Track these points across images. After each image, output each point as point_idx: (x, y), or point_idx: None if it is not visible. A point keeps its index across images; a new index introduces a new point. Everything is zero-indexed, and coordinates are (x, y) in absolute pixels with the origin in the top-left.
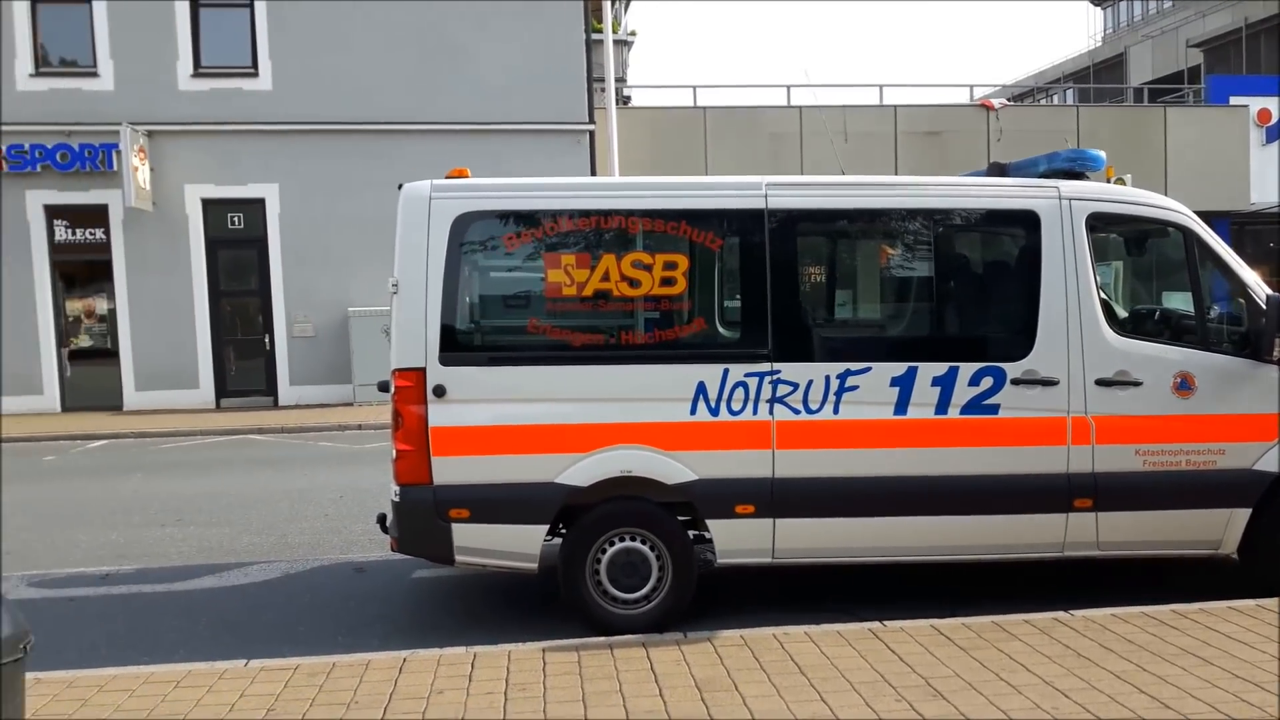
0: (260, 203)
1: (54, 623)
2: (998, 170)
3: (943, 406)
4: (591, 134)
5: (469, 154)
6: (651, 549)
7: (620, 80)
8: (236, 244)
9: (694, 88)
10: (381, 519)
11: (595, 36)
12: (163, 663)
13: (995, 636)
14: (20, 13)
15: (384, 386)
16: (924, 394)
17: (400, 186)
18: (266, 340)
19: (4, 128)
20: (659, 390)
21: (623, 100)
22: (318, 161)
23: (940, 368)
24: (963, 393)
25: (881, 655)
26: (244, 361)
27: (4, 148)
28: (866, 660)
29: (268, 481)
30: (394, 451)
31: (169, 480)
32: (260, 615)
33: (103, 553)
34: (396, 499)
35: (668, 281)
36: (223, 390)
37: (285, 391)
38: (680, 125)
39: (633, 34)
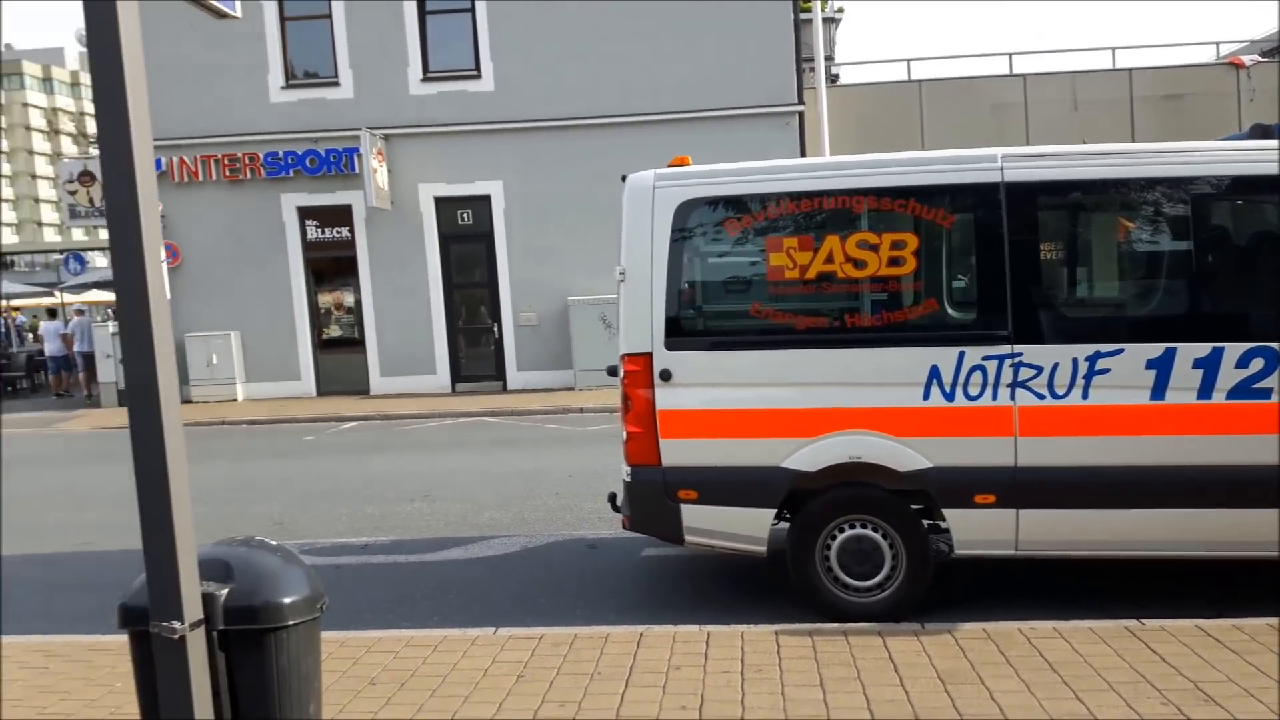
0: (486, 199)
1: (324, 588)
2: (1262, 133)
3: (1206, 390)
4: (800, 115)
5: (679, 142)
6: (884, 537)
7: (828, 59)
8: (466, 238)
9: (907, 61)
10: (612, 498)
11: (803, 16)
12: (420, 628)
13: (1272, 640)
14: (272, 32)
15: (613, 371)
16: (1184, 377)
17: (624, 178)
18: (495, 329)
19: (262, 138)
20: (889, 374)
21: (831, 79)
22: (537, 157)
23: (1202, 348)
24: (1229, 375)
25: (1140, 655)
26: (475, 349)
27: (262, 156)
28: (1124, 659)
29: (502, 461)
30: (624, 433)
31: (414, 459)
32: (503, 586)
33: (361, 524)
34: (628, 479)
35: (896, 261)
36: (457, 375)
37: (513, 377)
38: (893, 101)
39: (840, 10)
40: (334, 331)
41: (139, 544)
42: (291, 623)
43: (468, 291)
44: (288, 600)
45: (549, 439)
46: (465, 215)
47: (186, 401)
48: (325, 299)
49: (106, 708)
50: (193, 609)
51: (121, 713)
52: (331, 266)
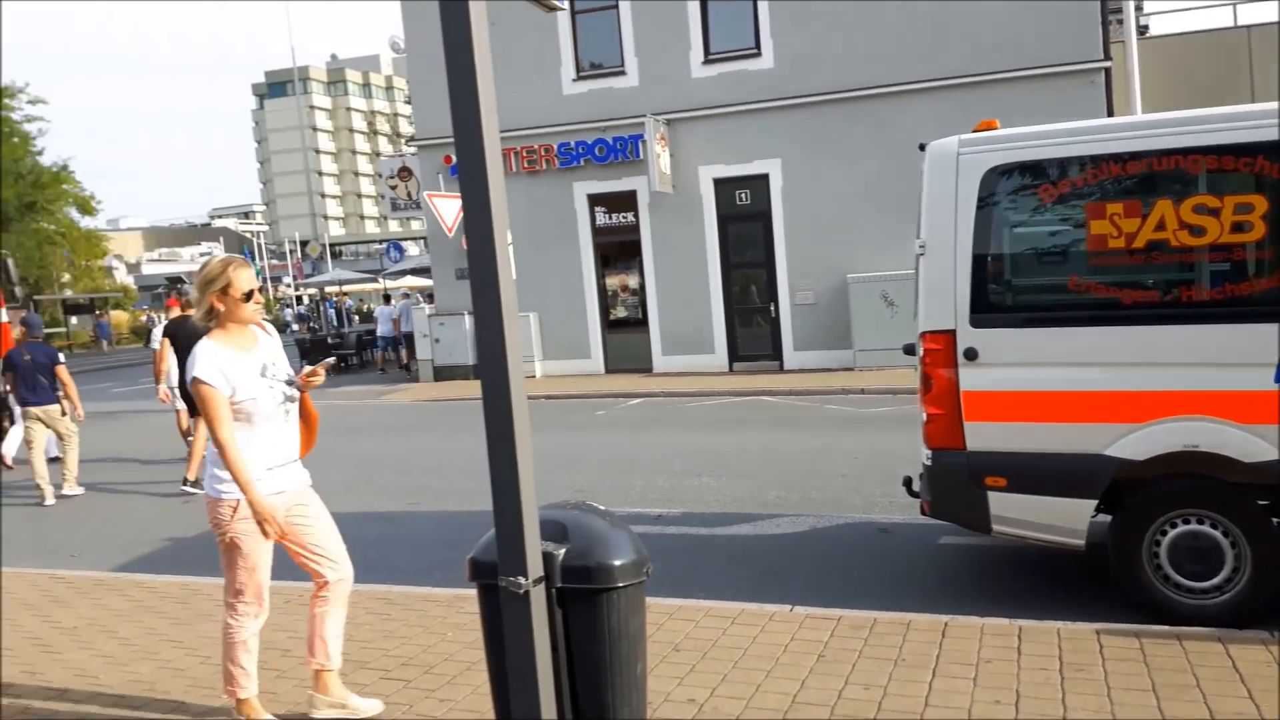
0: (764, 178)
1: None
2: None
3: None
4: (1107, 72)
5: (968, 108)
6: (1224, 534)
7: (1137, 8)
8: (744, 218)
9: (1233, 4)
10: (907, 482)
11: None
12: (715, 599)
13: None
14: (564, 26)
15: (909, 349)
16: None
17: (922, 146)
18: (771, 308)
19: (555, 129)
20: (1232, 354)
21: (1140, 30)
22: (816, 133)
23: None
24: None
25: None
26: (751, 328)
27: (555, 147)
28: None
29: (784, 440)
30: (923, 415)
31: (698, 435)
32: (794, 565)
33: (654, 496)
34: (928, 463)
35: (1240, 227)
36: (734, 355)
37: (789, 356)
38: (1214, 51)
39: None
40: (620, 312)
41: (458, 506)
42: (621, 584)
43: (745, 271)
44: (618, 563)
45: (829, 420)
46: (743, 195)
47: None
48: (612, 281)
49: (441, 654)
50: (535, 567)
51: (455, 659)
52: (617, 250)
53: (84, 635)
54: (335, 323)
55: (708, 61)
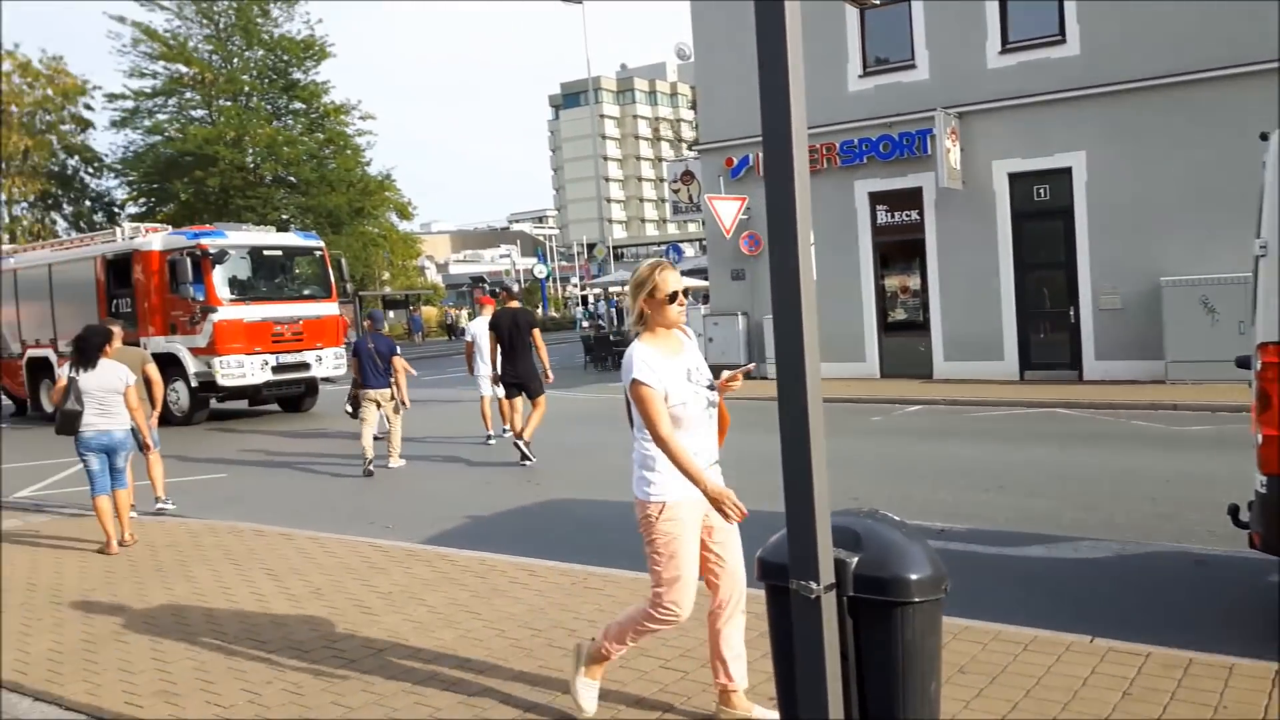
0: (1066, 172)
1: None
2: None
3: None
4: None
5: None
6: None
7: None
8: (1041, 216)
9: None
10: (1234, 510)
11: None
12: (1004, 623)
13: None
14: (852, 22)
15: (1243, 363)
16: None
17: (1264, 135)
18: (1071, 313)
19: (838, 127)
20: None
21: None
22: (1127, 123)
23: None
24: None
25: None
26: (1047, 334)
27: (838, 145)
28: None
29: (1082, 457)
30: (1258, 436)
31: (983, 447)
32: (1093, 593)
33: (934, 509)
34: (1262, 490)
35: None
36: (1026, 363)
37: (1090, 366)
38: None
39: None
40: (899, 314)
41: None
42: (917, 599)
43: (1041, 273)
44: (914, 576)
45: (1137, 437)
46: (1041, 191)
47: (762, 378)
48: (891, 282)
49: None
50: (827, 572)
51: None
52: (898, 250)
53: (397, 600)
54: (616, 321)
55: (1005, 50)
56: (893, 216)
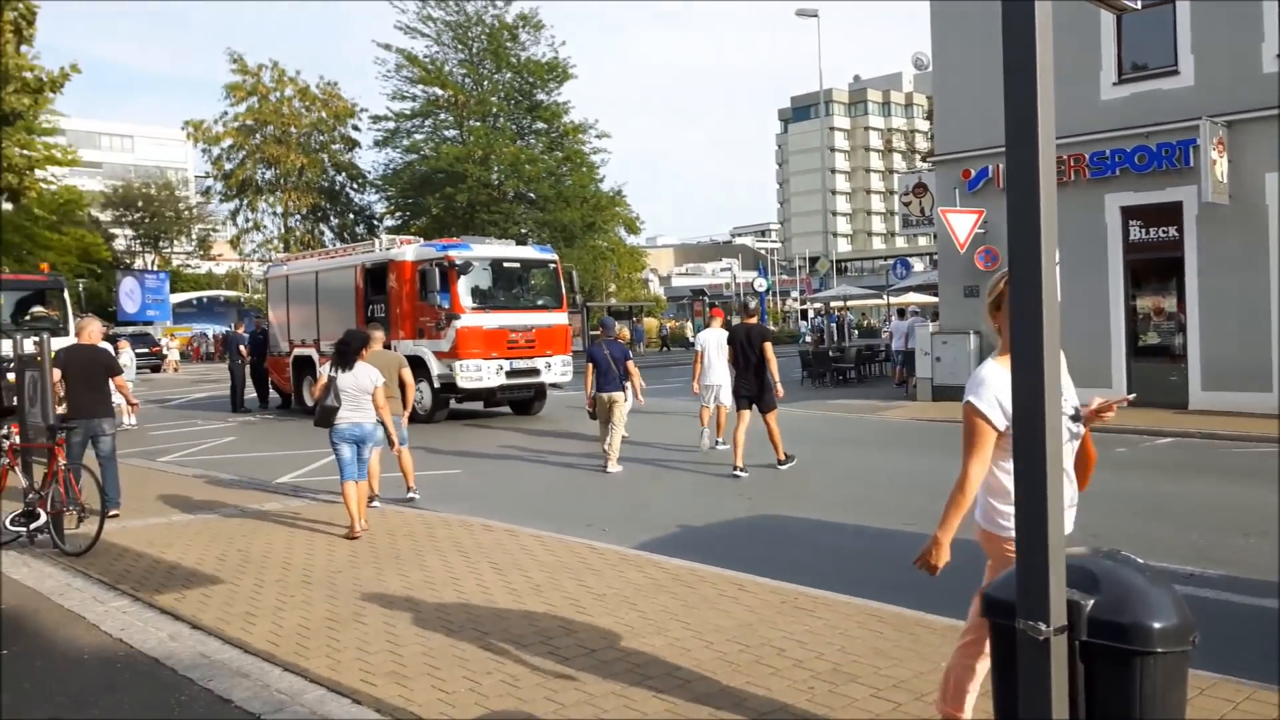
0: None
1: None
2: None
3: None
4: None
5: None
6: None
7: None
8: None
9: None
10: None
11: None
12: (1259, 681)
13: None
14: (1107, 28)
15: None
16: None
17: None
18: None
19: (1088, 138)
20: None
21: None
22: None
23: None
24: None
25: None
26: None
27: (1088, 157)
28: None
29: None
30: None
31: (1244, 486)
32: None
33: (1184, 551)
34: None
35: None
36: None
37: None
38: None
39: None
40: (1150, 338)
41: (959, 534)
42: (1160, 650)
43: None
44: (1158, 625)
45: None
46: None
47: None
48: (1143, 303)
49: (933, 682)
50: (1059, 614)
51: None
52: (1152, 269)
53: (610, 602)
54: (836, 336)
55: None
56: (1147, 233)
